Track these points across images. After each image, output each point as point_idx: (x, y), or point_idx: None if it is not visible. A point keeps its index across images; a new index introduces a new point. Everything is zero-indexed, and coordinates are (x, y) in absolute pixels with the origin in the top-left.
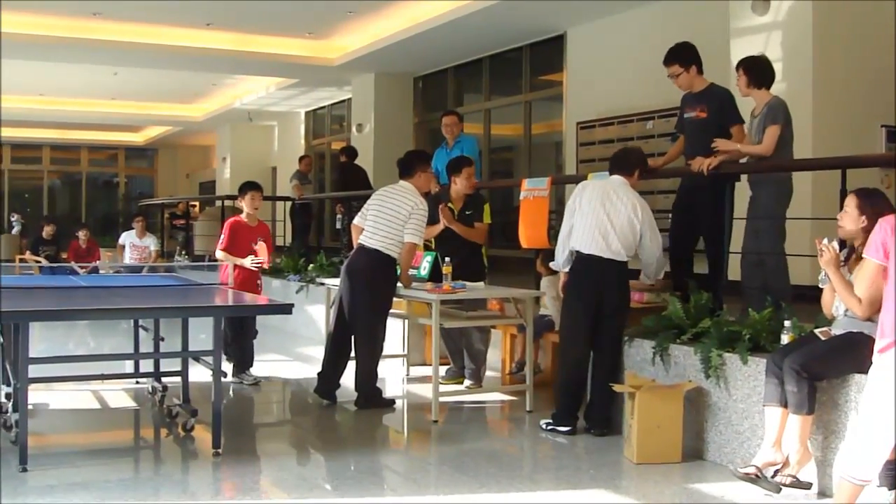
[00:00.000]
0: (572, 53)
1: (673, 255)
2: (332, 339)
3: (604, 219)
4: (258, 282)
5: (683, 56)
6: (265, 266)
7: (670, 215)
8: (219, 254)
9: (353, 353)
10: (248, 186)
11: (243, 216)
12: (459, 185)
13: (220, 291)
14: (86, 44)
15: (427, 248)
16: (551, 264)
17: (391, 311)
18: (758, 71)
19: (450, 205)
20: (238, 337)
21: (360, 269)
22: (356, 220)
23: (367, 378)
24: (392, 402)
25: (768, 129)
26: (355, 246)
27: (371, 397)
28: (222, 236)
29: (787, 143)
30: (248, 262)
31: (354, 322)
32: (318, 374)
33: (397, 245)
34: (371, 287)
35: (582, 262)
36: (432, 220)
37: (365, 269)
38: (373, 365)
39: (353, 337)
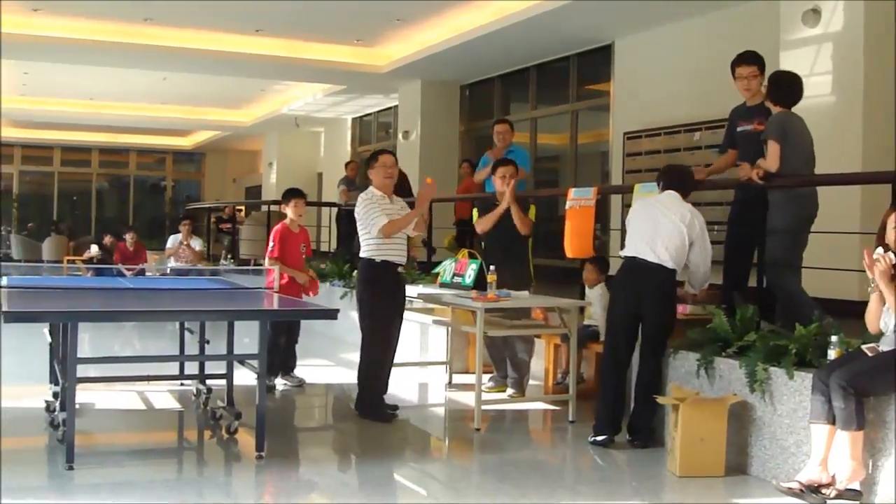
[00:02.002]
0: (620, 63)
1: (727, 268)
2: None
3: (650, 225)
4: (303, 290)
5: (762, 62)
6: (312, 293)
7: (718, 227)
8: (268, 261)
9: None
10: (293, 193)
11: (287, 222)
12: (496, 185)
13: (265, 295)
14: (136, 49)
15: (472, 255)
16: (586, 283)
17: (407, 313)
18: (780, 87)
19: (496, 202)
20: (286, 340)
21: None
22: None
23: (360, 387)
24: (389, 416)
25: (768, 144)
26: None
27: (364, 407)
28: (272, 244)
29: (788, 159)
30: (300, 278)
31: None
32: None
33: (369, 245)
34: (358, 294)
35: (626, 266)
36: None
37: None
38: (364, 372)
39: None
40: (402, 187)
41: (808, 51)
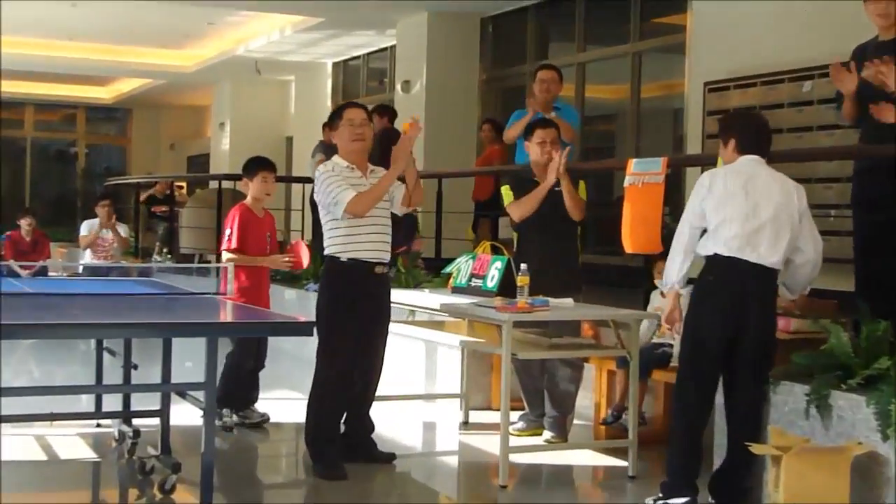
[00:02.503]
0: None
1: (859, 268)
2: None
3: (748, 212)
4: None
5: None
6: (301, 268)
7: (835, 212)
8: (227, 256)
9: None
10: (260, 164)
11: (249, 203)
12: (531, 154)
13: (216, 303)
14: None
15: (496, 250)
16: (659, 283)
17: (408, 329)
18: None
19: (534, 178)
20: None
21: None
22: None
23: (306, 425)
24: (337, 473)
25: None
26: None
27: (311, 452)
28: (229, 231)
29: None
30: (276, 260)
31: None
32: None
33: (334, 237)
34: (316, 302)
35: (718, 269)
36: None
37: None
38: (313, 407)
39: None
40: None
41: None
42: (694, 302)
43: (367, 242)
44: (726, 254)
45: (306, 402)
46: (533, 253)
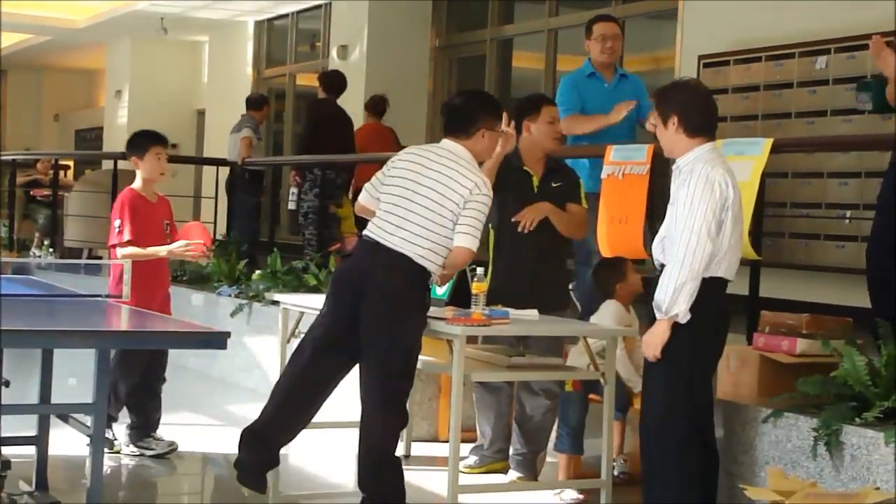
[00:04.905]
0: None
1: (874, 280)
2: (291, 386)
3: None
4: (168, 294)
5: None
6: (204, 257)
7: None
8: (122, 251)
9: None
10: (151, 139)
11: (138, 187)
12: (537, 135)
13: (107, 308)
14: None
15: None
16: (670, 311)
17: None
18: None
19: (525, 168)
20: (143, 383)
21: (377, 281)
22: (363, 199)
23: (379, 467)
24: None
25: None
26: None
27: (388, 501)
28: (119, 222)
29: None
30: (177, 246)
31: (363, 369)
32: (246, 433)
33: (441, 252)
34: (395, 311)
35: (721, 296)
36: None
37: (386, 282)
38: (391, 444)
39: (360, 394)
40: (335, 135)
41: None
42: (702, 331)
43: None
44: (728, 279)
45: (373, 441)
46: (519, 256)
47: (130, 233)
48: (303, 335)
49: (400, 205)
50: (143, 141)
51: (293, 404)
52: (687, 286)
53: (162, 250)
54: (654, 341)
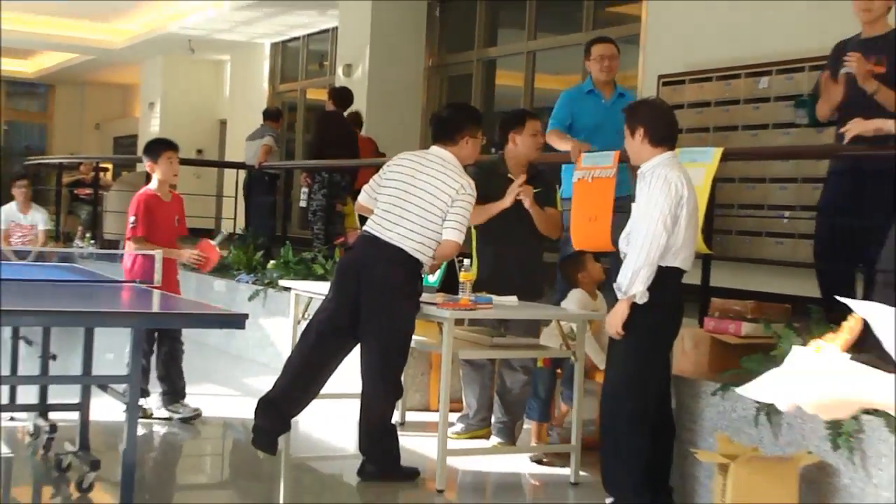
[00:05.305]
0: None
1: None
2: (301, 363)
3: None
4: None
5: None
6: (207, 269)
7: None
8: (132, 245)
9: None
10: (164, 145)
11: (154, 187)
12: (522, 147)
13: (139, 293)
14: None
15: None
16: (629, 292)
17: None
18: None
19: (510, 175)
20: (168, 358)
21: (375, 270)
22: (363, 199)
23: (378, 434)
24: (415, 472)
25: None
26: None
27: (385, 464)
28: (134, 219)
29: None
30: (185, 255)
31: (363, 348)
32: (261, 402)
33: (430, 245)
34: (391, 298)
35: (677, 285)
36: (483, 199)
37: (382, 272)
38: (387, 414)
39: (361, 370)
40: (344, 144)
41: None
42: (660, 314)
43: None
44: (684, 269)
45: (372, 411)
46: (499, 250)
47: (141, 230)
48: (311, 318)
49: (395, 204)
50: (157, 147)
51: (302, 380)
52: (643, 271)
53: (173, 253)
54: (615, 319)
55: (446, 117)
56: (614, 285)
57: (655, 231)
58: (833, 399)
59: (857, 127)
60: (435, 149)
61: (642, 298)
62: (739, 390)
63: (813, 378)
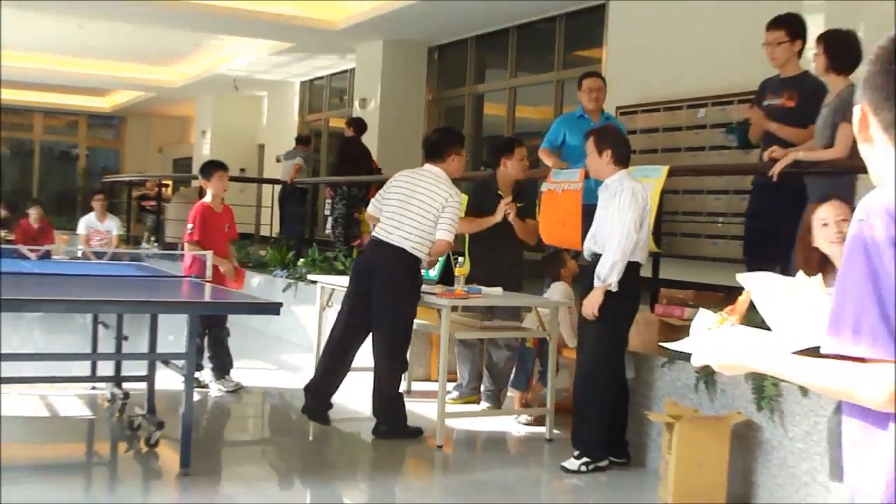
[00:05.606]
0: (614, 26)
1: (750, 269)
2: (332, 348)
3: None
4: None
5: (793, 26)
6: (234, 287)
7: (723, 219)
8: (189, 247)
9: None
10: (215, 166)
11: (208, 200)
12: (511, 170)
13: (194, 285)
14: None
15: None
16: (608, 279)
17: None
18: (840, 49)
19: (500, 192)
20: (216, 341)
21: (383, 268)
22: (371, 210)
23: (388, 401)
24: (419, 431)
25: (840, 126)
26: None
27: (395, 425)
28: (191, 226)
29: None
30: (223, 266)
31: (374, 332)
32: (307, 388)
33: (426, 245)
34: (396, 291)
35: (636, 274)
36: (477, 209)
37: (389, 269)
38: (395, 385)
39: (373, 350)
40: (361, 163)
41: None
42: (625, 300)
43: None
44: (641, 263)
45: (382, 382)
46: (485, 253)
47: (197, 235)
48: (334, 305)
49: (397, 212)
50: (210, 167)
51: (334, 364)
52: (619, 264)
53: (217, 261)
54: (592, 303)
55: (435, 140)
56: (595, 274)
57: (628, 233)
58: (725, 363)
59: (782, 161)
60: (427, 166)
61: (615, 287)
62: (667, 345)
63: (711, 343)
